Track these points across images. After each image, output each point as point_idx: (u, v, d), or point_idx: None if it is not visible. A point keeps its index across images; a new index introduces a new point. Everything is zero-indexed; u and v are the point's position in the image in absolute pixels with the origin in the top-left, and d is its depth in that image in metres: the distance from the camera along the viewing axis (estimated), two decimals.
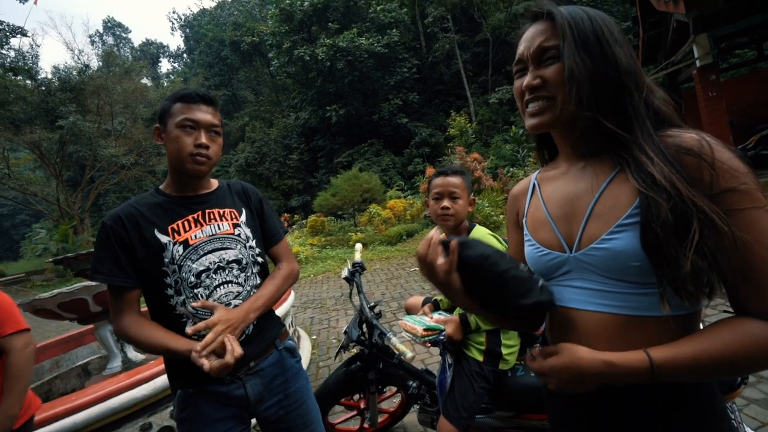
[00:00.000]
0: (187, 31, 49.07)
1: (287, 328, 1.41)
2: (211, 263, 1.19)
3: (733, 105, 7.26)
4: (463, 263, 0.67)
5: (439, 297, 1.91)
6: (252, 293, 1.27)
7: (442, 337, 1.50)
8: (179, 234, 1.18)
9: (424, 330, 1.48)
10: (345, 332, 1.83)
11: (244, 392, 1.22)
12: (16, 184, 17.82)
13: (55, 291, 2.66)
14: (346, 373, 1.91)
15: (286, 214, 16.92)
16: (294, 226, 14.70)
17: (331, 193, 13.20)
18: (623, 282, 0.66)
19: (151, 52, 52.84)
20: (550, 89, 0.68)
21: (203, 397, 1.18)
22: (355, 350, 1.95)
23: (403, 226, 10.80)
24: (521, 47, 0.73)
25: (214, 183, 1.34)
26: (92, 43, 48.85)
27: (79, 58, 22.40)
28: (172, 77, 43.69)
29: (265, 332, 1.28)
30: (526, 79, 0.71)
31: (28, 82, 18.36)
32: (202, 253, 1.19)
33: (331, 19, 21.73)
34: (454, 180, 1.59)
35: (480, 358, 1.53)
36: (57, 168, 18.64)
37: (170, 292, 1.16)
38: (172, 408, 1.25)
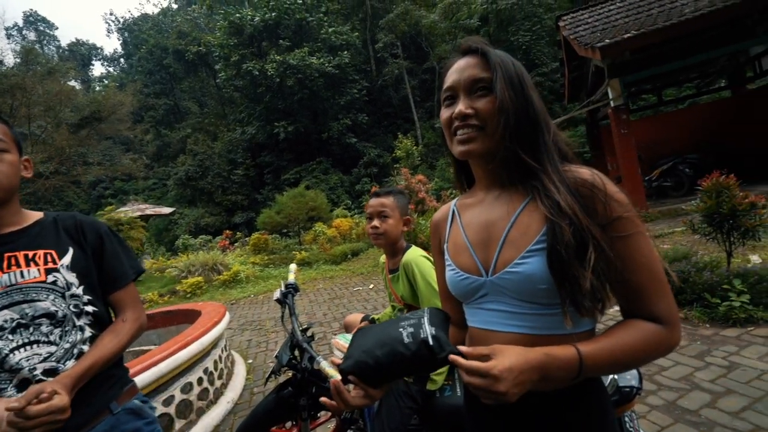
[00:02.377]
0: (126, 34, 46.25)
1: (135, 384, 1.22)
2: (4, 321, 0.98)
3: (641, 142, 8.26)
4: (350, 373, 0.78)
5: (377, 315, 1.93)
6: (75, 350, 1.06)
7: None
8: None
9: None
10: (276, 356, 1.78)
11: None
12: None
13: None
14: (277, 398, 1.84)
15: (227, 231, 16.12)
16: (236, 244, 14.05)
17: (275, 210, 12.87)
18: (532, 303, 0.72)
19: (82, 53, 48.95)
20: (481, 119, 0.74)
21: None
22: (288, 375, 1.90)
23: (348, 245, 10.76)
24: (451, 77, 0.78)
25: (32, 217, 1.13)
26: (9, 36, 44.25)
27: None
28: (106, 81, 40.59)
29: (94, 395, 1.07)
30: (459, 107, 0.75)
31: None
32: None
33: (282, 36, 21.67)
34: (384, 200, 1.64)
35: (408, 379, 1.57)
36: None
37: None
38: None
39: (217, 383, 3.20)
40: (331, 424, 2.34)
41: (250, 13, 22.12)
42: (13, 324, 0.99)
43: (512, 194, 0.78)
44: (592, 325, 0.76)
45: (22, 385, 0.98)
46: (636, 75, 7.27)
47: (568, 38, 7.57)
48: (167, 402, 2.63)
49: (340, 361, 1.50)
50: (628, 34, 6.35)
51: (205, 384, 3.02)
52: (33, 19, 50.32)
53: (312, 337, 1.78)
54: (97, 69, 50.89)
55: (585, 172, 0.72)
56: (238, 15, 21.74)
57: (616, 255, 0.67)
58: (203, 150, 24.01)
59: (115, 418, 1.10)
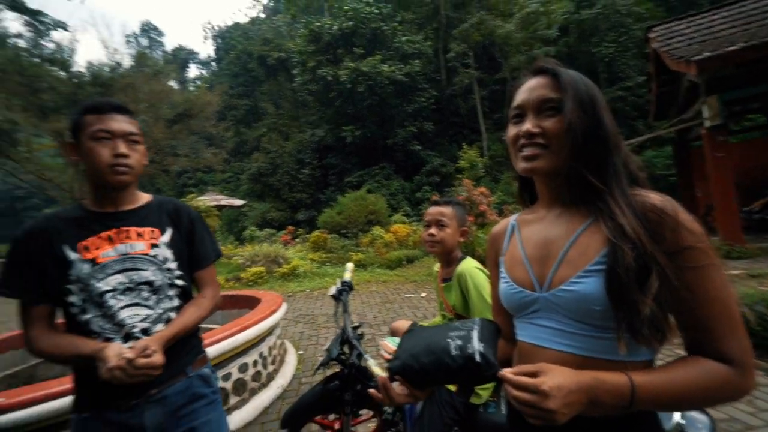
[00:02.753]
0: (219, 41, 51.02)
1: (206, 354, 1.37)
2: (117, 284, 1.14)
3: (740, 167, 7.31)
4: (396, 373, 0.82)
5: (425, 323, 1.94)
6: (165, 316, 1.21)
7: None
8: (88, 251, 1.13)
9: None
10: (326, 349, 1.86)
11: (140, 421, 1.13)
12: (34, 169, 18.23)
13: None
14: (323, 390, 1.92)
15: (290, 227, 17.01)
16: (297, 240, 14.76)
17: (337, 210, 13.32)
18: (585, 324, 0.71)
19: (182, 56, 54.84)
20: (547, 138, 0.75)
21: (101, 425, 1.11)
22: (335, 369, 1.97)
23: (404, 251, 10.80)
24: (521, 96, 0.80)
25: (143, 198, 1.29)
26: (127, 42, 51.04)
27: (113, 56, 23.33)
28: (198, 82, 45.08)
29: (176, 358, 1.20)
30: (526, 125, 0.77)
31: (62, 73, 19.06)
32: (109, 272, 1.14)
33: (356, 44, 22.48)
34: (443, 209, 1.66)
35: (453, 388, 1.56)
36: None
37: (75, 310, 1.12)
38: None
39: (270, 368, 3.39)
40: (372, 424, 2.38)
41: (329, 22, 23.25)
42: (123, 287, 1.15)
43: (574, 214, 0.78)
44: (651, 356, 0.73)
45: (126, 338, 1.14)
46: (740, 92, 6.47)
47: (659, 51, 6.95)
48: (225, 377, 2.85)
49: (389, 357, 1.54)
50: (735, 47, 5.68)
51: (259, 367, 3.22)
52: (147, 28, 57.65)
53: (362, 335, 1.84)
54: (192, 71, 56.73)
55: (655, 198, 0.71)
56: (317, 24, 22.96)
57: (684, 286, 0.65)
58: (275, 149, 25.59)
59: (189, 381, 1.24)
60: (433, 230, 1.67)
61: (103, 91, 18.74)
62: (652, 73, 8.75)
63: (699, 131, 7.34)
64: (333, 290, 1.96)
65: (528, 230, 0.88)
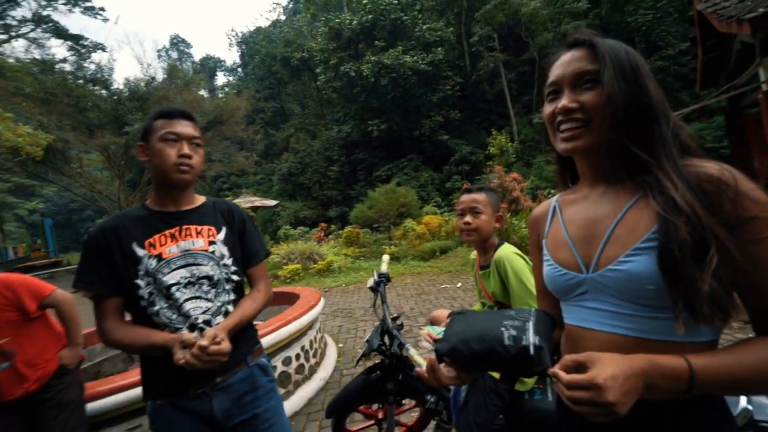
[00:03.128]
0: (243, 47, 52.30)
1: (262, 344, 1.45)
2: (181, 278, 1.22)
3: None
4: (444, 355, 0.81)
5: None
6: (223, 309, 1.29)
7: None
8: (154, 248, 1.22)
9: None
10: (367, 341, 1.88)
11: (209, 408, 1.22)
12: (85, 183, 19.59)
13: None
14: (366, 380, 1.94)
15: (323, 224, 17.31)
16: (330, 236, 15.00)
17: (367, 205, 13.39)
18: (637, 305, 0.67)
19: (210, 66, 56.74)
20: (586, 113, 0.71)
21: (173, 410, 1.20)
22: (376, 360, 1.99)
23: (437, 242, 10.72)
24: (556, 71, 0.76)
25: (199, 199, 1.38)
26: (159, 57, 53.37)
27: (147, 71, 24.49)
28: (226, 89, 46.59)
29: (237, 348, 1.24)
30: (563, 101, 0.73)
31: (103, 92, 20.25)
32: (174, 267, 1.22)
33: (377, 37, 22.38)
34: (477, 196, 1.63)
35: (496, 375, 1.53)
36: (120, 170, 20.26)
37: (144, 303, 1.19)
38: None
39: (312, 361, 3.48)
40: (415, 413, 2.39)
41: (348, 17, 23.27)
42: (185, 281, 1.23)
43: (620, 190, 0.74)
44: (714, 336, 0.67)
45: (191, 329, 1.23)
46: None
47: (705, 12, 6.41)
48: None
49: (433, 339, 1.53)
50: None
51: (302, 360, 3.31)
52: (176, 41, 60.01)
53: (401, 325, 1.83)
54: (220, 79, 58.64)
55: (711, 167, 0.66)
56: (337, 20, 23.03)
57: (748, 260, 0.60)
58: (303, 148, 26.06)
59: (249, 370, 1.32)
60: (468, 218, 1.64)
61: (140, 105, 19.75)
62: (697, 38, 8.09)
63: (755, 97, 6.74)
64: (371, 282, 1.97)
65: (570, 211, 0.84)
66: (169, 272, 1.21)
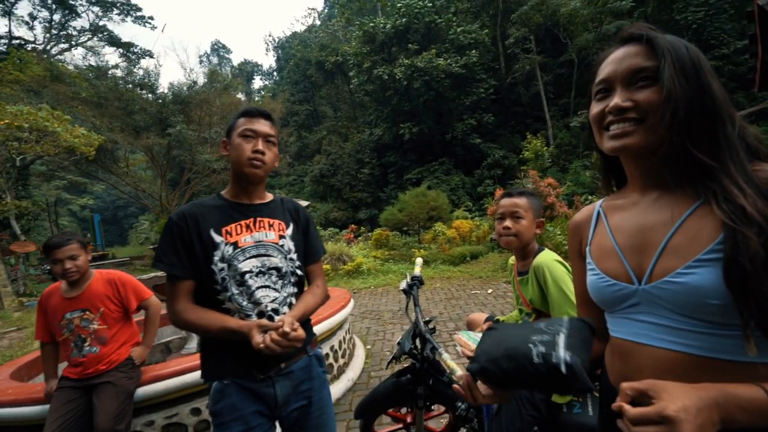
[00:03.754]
0: (279, 52, 53.91)
1: (316, 336, 1.51)
2: (253, 267, 1.28)
3: None
4: (475, 375, 0.79)
5: (502, 317, 1.87)
6: (288, 300, 1.35)
7: None
8: (231, 236, 1.28)
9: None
10: (398, 343, 1.86)
11: (273, 392, 1.28)
12: (131, 181, 20.83)
13: (152, 274, 3.10)
14: (396, 384, 1.92)
15: (353, 226, 17.48)
16: (360, 238, 15.11)
17: (398, 208, 13.38)
18: (698, 320, 0.62)
19: (247, 70, 58.81)
20: (641, 111, 0.66)
21: (238, 390, 1.25)
22: (406, 363, 1.97)
23: (467, 247, 10.55)
24: (607, 68, 0.71)
25: (269, 196, 1.46)
26: (200, 62, 56.00)
27: (189, 76, 25.79)
28: (263, 93, 48.07)
29: None
30: (615, 100, 0.68)
31: (150, 95, 21.48)
32: (248, 255, 1.28)
33: (411, 41, 22.40)
34: (518, 200, 1.59)
35: None
36: (163, 169, 21.39)
37: (218, 287, 1.25)
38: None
39: (341, 361, 3.49)
40: (444, 419, 2.34)
41: (382, 21, 23.44)
42: (257, 270, 1.29)
43: (677, 197, 0.69)
44: None
45: (260, 316, 1.28)
46: None
47: (766, 7, 5.98)
48: None
49: (468, 353, 1.49)
50: None
51: (331, 360, 3.33)
52: (216, 47, 62.71)
53: (434, 329, 1.80)
54: (257, 83, 60.61)
55: None
56: (371, 24, 23.26)
57: None
58: (335, 150, 26.44)
59: (308, 359, 1.40)
60: (508, 222, 1.60)
61: (182, 108, 20.80)
62: (756, 35, 7.56)
63: None
64: (403, 284, 1.96)
65: (618, 217, 0.79)
66: (243, 260, 1.27)
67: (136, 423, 2.14)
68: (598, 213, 0.85)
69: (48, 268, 14.22)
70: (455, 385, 0.85)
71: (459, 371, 1.39)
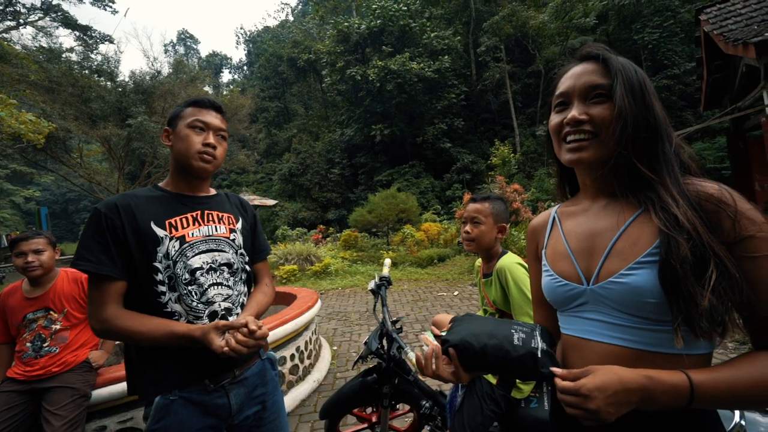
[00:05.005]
0: (251, 45, 52.58)
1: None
2: (204, 263, 1.18)
3: None
4: (452, 346, 0.80)
5: None
6: (240, 299, 1.26)
7: None
8: (176, 229, 1.16)
9: None
10: (365, 343, 1.87)
11: (227, 401, 1.18)
12: (84, 173, 19.56)
13: None
14: (362, 383, 1.93)
15: (321, 226, 17.30)
16: (328, 239, 14.98)
17: (367, 209, 13.39)
18: (637, 317, 0.69)
19: (215, 62, 56.93)
20: (595, 126, 0.72)
21: (185, 405, 1.11)
22: (372, 363, 1.98)
23: (435, 249, 10.71)
24: (566, 83, 0.77)
25: (212, 190, 1.37)
26: (165, 51, 53.74)
27: (153, 65, 24.62)
28: (231, 87, 46.69)
29: None
30: (572, 112, 0.74)
31: (108, 83, 20.28)
32: (196, 251, 1.17)
33: (385, 43, 22.52)
34: (479, 206, 1.64)
35: (493, 381, 1.53)
36: (121, 162, 20.28)
37: (162, 288, 1.12)
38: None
39: (306, 362, 3.45)
40: (409, 419, 2.37)
41: (357, 21, 23.42)
42: (207, 266, 1.19)
43: (623, 205, 0.75)
44: (709, 350, 0.70)
45: (212, 316, 1.17)
46: None
47: (711, 33, 6.48)
48: None
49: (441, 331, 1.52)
50: None
51: (296, 361, 3.28)
52: (183, 37, 60.33)
53: (401, 329, 1.82)
54: (225, 76, 58.77)
55: (711, 186, 0.68)
56: (346, 24, 23.18)
57: (745, 278, 0.62)
58: (306, 149, 26.10)
59: (262, 363, 1.31)
60: (468, 227, 1.66)
61: (144, 98, 19.82)
62: (702, 59, 8.17)
63: (758, 120, 6.80)
64: (372, 285, 1.97)
65: (571, 222, 0.85)
66: (192, 256, 1.16)
67: (87, 428, 2.01)
68: (554, 218, 0.91)
69: None
70: (413, 354, 0.88)
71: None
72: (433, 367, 0.82)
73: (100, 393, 2.04)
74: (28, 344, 1.91)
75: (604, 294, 0.72)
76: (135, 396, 1.17)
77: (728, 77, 8.39)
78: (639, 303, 0.67)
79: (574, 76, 0.76)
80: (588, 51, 0.77)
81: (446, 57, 21.56)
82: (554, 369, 0.70)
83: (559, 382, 0.66)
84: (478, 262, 1.86)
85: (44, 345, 1.93)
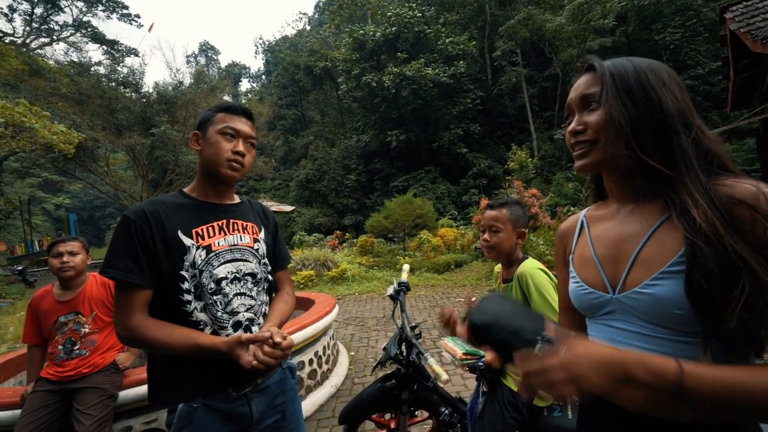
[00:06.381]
0: (269, 55, 53.69)
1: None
2: (228, 273, 1.18)
3: None
4: (472, 327, 0.77)
5: None
6: (262, 308, 1.26)
7: (480, 363, 1.49)
8: (203, 238, 1.16)
9: (464, 353, 1.48)
10: (384, 348, 1.87)
11: (248, 410, 1.17)
12: (110, 181, 20.29)
13: None
14: (381, 389, 1.93)
15: (338, 232, 17.40)
16: (344, 244, 15.05)
17: (383, 215, 13.41)
18: (666, 328, 0.66)
19: (235, 72, 58.32)
20: (592, 133, 0.72)
21: (208, 412, 1.12)
22: (391, 369, 1.97)
23: (452, 255, 10.64)
24: (570, 96, 0.79)
25: (237, 198, 1.36)
26: (188, 62, 55.36)
27: (175, 76, 25.41)
28: (250, 95, 47.71)
29: None
30: (571, 125, 0.76)
31: (133, 94, 21.04)
32: (222, 261, 1.17)
33: (400, 49, 22.65)
34: (495, 213, 1.62)
35: (515, 388, 1.50)
36: (145, 169, 20.92)
37: (188, 297, 1.12)
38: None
39: (324, 367, 3.47)
40: (428, 426, 2.35)
41: (372, 29, 23.66)
42: (232, 276, 1.19)
43: (649, 209, 0.72)
44: (747, 362, 0.63)
45: (236, 326, 1.18)
46: None
47: (738, 32, 6.29)
48: None
49: (458, 355, 1.50)
50: None
51: (315, 365, 3.30)
52: (205, 48, 62.14)
53: (420, 334, 1.82)
54: (244, 85, 60.12)
55: (746, 187, 0.61)
56: (361, 32, 23.44)
57: None
58: (322, 156, 26.38)
59: (282, 372, 1.31)
60: (487, 236, 1.64)
61: (167, 108, 20.45)
62: (729, 58, 7.92)
63: None
64: (390, 290, 1.97)
65: (598, 228, 0.83)
66: (218, 265, 1.16)
67: (114, 428, 2.08)
68: (582, 222, 0.89)
69: (19, 268, 13.69)
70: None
71: (444, 376, 1.41)
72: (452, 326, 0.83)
73: (126, 394, 2.10)
74: (60, 347, 2.00)
75: (630, 304, 0.69)
76: (153, 401, 1.18)
77: (757, 76, 8.09)
78: (666, 314, 0.64)
79: (573, 89, 0.78)
80: (582, 63, 0.79)
81: (461, 62, 21.53)
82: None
83: (519, 360, 0.60)
84: (497, 267, 1.84)
85: (75, 348, 2.01)
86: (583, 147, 0.74)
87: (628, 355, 0.58)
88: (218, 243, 1.19)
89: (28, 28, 23.37)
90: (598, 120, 0.71)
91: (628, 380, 0.56)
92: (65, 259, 2.00)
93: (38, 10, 23.08)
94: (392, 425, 2.12)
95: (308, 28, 51.35)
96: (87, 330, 2.04)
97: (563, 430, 1.44)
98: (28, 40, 23.47)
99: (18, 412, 1.91)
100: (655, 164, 0.67)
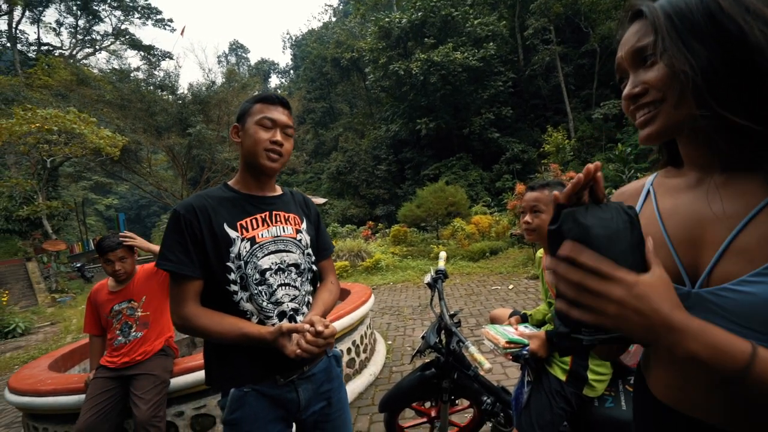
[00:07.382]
0: (296, 49, 54.30)
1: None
2: (272, 264, 1.20)
3: None
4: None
5: (529, 311, 1.83)
6: (306, 298, 1.28)
7: (524, 352, 1.43)
8: (247, 231, 1.19)
9: (507, 342, 1.43)
10: (423, 337, 1.85)
11: (296, 396, 1.21)
12: (153, 181, 21.41)
13: None
14: (421, 377, 1.91)
15: (370, 222, 17.50)
16: (377, 234, 15.12)
17: (416, 204, 13.32)
18: (764, 335, 0.51)
19: (264, 69, 59.49)
20: (655, 93, 0.57)
21: (258, 397, 1.17)
22: (430, 357, 1.95)
23: (487, 242, 10.42)
24: (618, 54, 0.63)
25: (279, 189, 1.38)
26: (219, 62, 57.05)
27: (208, 76, 26.27)
28: (279, 91, 48.57)
29: None
30: (626, 89, 0.61)
31: (170, 96, 21.97)
32: (266, 252, 1.20)
33: (427, 35, 22.20)
34: (538, 194, 1.54)
35: (563, 377, 1.44)
36: (183, 168, 21.89)
37: (234, 288, 1.16)
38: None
39: (362, 356, 3.50)
40: (469, 414, 2.32)
41: (398, 16, 23.31)
42: (276, 267, 1.22)
43: (750, 184, 0.54)
44: None
45: (281, 316, 1.21)
46: None
47: None
48: None
49: (501, 344, 1.46)
50: None
51: (353, 354, 3.34)
52: (235, 47, 63.79)
53: (459, 322, 1.78)
54: (273, 81, 61.20)
55: None
56: (387, 19, 23.15)
57: None
58: (352, 147, 26.55)
59: (328, 360, 1.33)
60: (528, 218, 1.55)
61: (201, 108, 21.22)
62: None
63: None
64: (428, 278, 1.94)
65: (671, 200, 0.65)
66: (262, 257, 1.19)
67: (167, 413, 2.20)
68: (648, 190, 0.71)
69: (78, 265, 14.78)
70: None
71: (487, 364, 1.37)
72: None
73: (177, 381, 2.21)
74: (118, 332, 2.16)
75: (717, 302, 0.54)
76: (209, 386, 1.24)
77: None
78: None
79: (622, 44, 0.62)
80: (627, 10, 0.62)
81: (491, 44, 20.81)
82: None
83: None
84: (540, 252, 1.76)
85: (131, 330, 2.17)
86: (647, 111, 0.59)
87: (702, 325, 0.48)
88: (261, 235, 1.21)
89: (73, 40, 24.91)
90: (658, 76, 0.55)
91: (676, 344, 0.47)
92: (117, 267, 2.16)
93: (81, 22, 24.50)
94: (432, 413, 2.11)
95: (334, 19, 51.39)
96: (140, 313, 2.20)
97: (616, 422, 1.36)
98: (74, 52, 25.01)
99: (83, 397, 2.06)
100: (742, 122, 0.50)
